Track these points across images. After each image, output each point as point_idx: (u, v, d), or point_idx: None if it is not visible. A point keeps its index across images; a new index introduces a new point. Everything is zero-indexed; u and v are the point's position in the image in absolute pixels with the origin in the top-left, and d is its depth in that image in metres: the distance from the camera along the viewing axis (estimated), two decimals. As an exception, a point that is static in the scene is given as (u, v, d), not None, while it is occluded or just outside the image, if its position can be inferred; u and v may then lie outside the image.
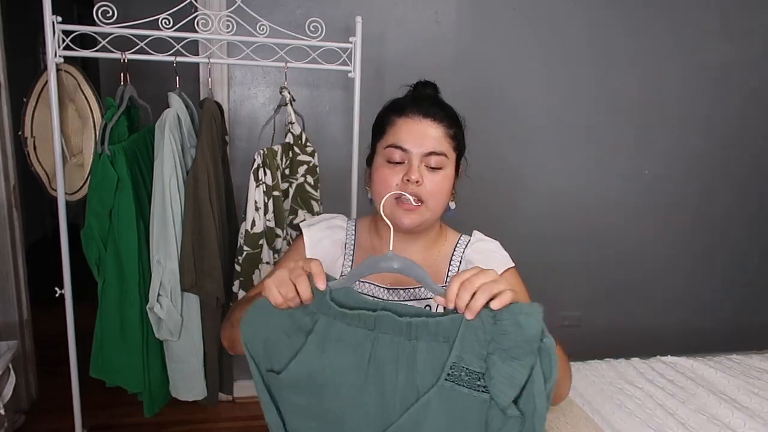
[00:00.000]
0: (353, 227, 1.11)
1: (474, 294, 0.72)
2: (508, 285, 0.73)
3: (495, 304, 0.71)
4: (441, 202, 1.00)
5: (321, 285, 0.77)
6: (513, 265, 1.05)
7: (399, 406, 0.77)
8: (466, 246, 1.08)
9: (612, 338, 2.84)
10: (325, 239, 1.08)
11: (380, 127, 1.03)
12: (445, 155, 0.98)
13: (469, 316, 0.72)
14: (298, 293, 0.77)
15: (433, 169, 0.98)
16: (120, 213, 1.73)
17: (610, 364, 1.90)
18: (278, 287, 0.77)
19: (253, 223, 1.75)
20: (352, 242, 1.09)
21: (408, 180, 0.95)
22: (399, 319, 0.76)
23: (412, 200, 0.96)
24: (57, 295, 1.87)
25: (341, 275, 1.07)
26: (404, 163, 0.97)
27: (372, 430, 0.79)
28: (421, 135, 0.97)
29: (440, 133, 0.99)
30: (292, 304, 0.78)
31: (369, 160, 1.06)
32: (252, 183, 1.75)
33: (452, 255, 1.07)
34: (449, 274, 1.05)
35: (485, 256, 1.05)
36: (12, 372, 2.09)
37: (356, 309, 0.79)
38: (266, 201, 1.77)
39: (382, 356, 0.78)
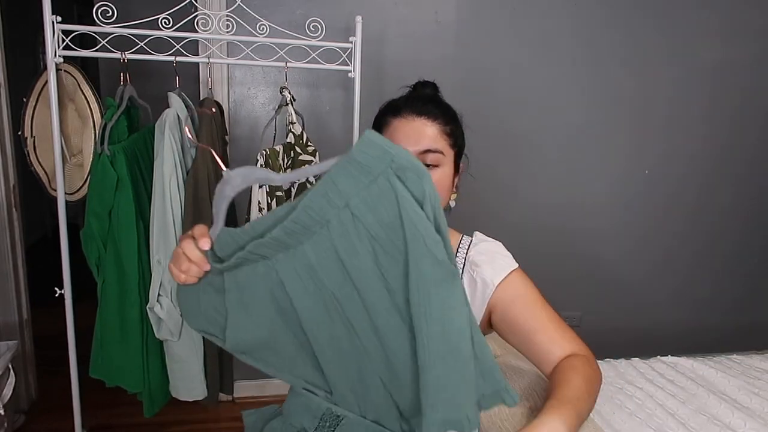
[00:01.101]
0: None
1: None
2: None
3: None
4: (440, 199, 1.00)
5: (204, 245, 0.74)
6: (517, 266, 1.05)
7: (333, 307, 0.73)
8: (468, 247, 1.07)
9: (612, 338, 2.84)
10: None
11: (377, 128, 1.04)
12: (442, 152, 0.98)
13: None
14: (192, 262, 0.75)
15: (430, 166, 0.98)
16: (120, 213, 1.73)
17: (610, 364, 1.90)
18: (175, 265, 0.76)
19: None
20: None
21: None
22: (264, 241, 0.70)
23: None
24: (57, 295, 1.87)
25: None
26: None
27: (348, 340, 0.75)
28: (416, 133, 0.98)
29: (435, 131, 0.99)
30: (192, 273, 0.76)
31: None
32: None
33: (456, 254, 1.07)
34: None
35: (489, 258, 1.05)
36: (12, 372, 2.09)
37: (231, 255, 0.74)
38: (269, 201, 1.77)
39: (287, 275, 0.73)
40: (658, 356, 1.97)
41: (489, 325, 1.06)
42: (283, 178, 0.74)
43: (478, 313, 1.03)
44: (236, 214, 2.06)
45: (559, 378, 0.91)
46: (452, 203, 1.05)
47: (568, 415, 0.81)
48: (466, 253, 1.07)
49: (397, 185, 0.62)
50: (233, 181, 0.75)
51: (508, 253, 1.07)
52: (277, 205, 1.80)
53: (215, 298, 0.79)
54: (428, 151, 0.97)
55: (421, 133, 0.98)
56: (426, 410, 0.67)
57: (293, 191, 1.92)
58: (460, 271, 1.05)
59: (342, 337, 0.75)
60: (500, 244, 1.09)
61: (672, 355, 1.97)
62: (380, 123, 1.03)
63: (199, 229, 0.77)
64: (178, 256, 0.76)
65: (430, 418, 0.67)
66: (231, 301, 0.77)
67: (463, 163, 1.06)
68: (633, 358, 1.94)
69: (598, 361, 1.95)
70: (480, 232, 1.11)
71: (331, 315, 0.74)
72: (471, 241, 1.09)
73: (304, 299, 0.74)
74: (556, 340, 0.96)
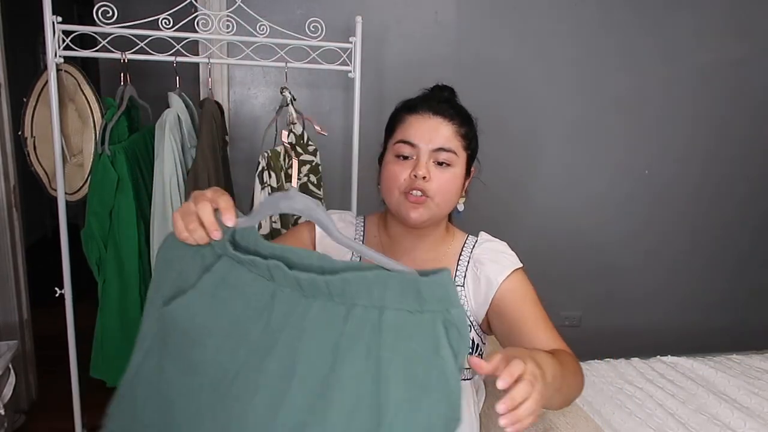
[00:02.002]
0: (362, 224, 1.12)
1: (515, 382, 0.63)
2: (541, 392, 0.64)
3: (501, 384, 0.62)
4: (449, 199, 1.00)
5: (230, 221, 0.70)
6: (521, 265, 1.05)
7: (275, 368, 0.67)
8: (474, 246, 1.08)
9: (612, 338, 2.84)
10: (343, 230, 1.09)
11: (392, 125, 1.04)
12: (455, 152, 0.99)
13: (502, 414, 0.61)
14: (203, 225, 0.71)
15: (442, 165, 0.98)
16: (120, 213, 1.73)
17: (610, 364, 1.90)
18: (183, 218, 0.72)
19: (260, 225, 1.76)
20: (361, 238, 1.10)
21: (415, 175, 0.96)
22: (288, 272, 0.67)
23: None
24: (57, 295, 1.87)
25: None
26: (413, 158, 0.98)
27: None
28: (431, 131, 0.98)
29: (450, 131, 0.99)
30: (197, 236, 0.71)
31: (381, 159, 1.07)
32: (257, 185, 1.75)
33: (460, 254, 1.07)
34: (457, 274, 1.05)
35: (494, 256, 1.05)
36: (12, 372, 2.09)
37: (251, 254, 0.70)
38: (270, 202, 1.78)
39: (279, 312, 0.69)
40: (658, 356, 1.97)
41: (489, 327, 1.06)
42: (339, 238, 0.71)
43: (481, 312, 1.04)
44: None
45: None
46: (460, 207, 1.05)
47: (551, 363, 0.76)
48: (471, 251, 1.07)
49: (440, 331, 0.63)
50: (294, 203, 0.72)
51: (513, 253, 1.07)
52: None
53: (193, 267, 0.73)
54: (441, 149, 0.97)
55: (436, 131, 0.98)
56: None
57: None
58: (464, 269, 1.05)
59: (210, 407, 0.70)
60: (505, 244, 1.09)
61: (672, 355, 1.97)
62: (395, 120, 1.04)
63: (224, 200, 0.71)
64: (189, 212, 0.71)
65: None
66: (205, 282, 0.71)
67: (474, 167, 1.07)
68: (633, 358, 1.94)
69: (598, 361, 1.96)
70: (485, 232, 1.12)
71: (248, 378, 0.68)
72: (476, 240, 1.09)
73: (263, 341, 0.68)
74: (550, 339, 0.96)
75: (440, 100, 1.02)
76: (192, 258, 0.74)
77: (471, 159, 1.04)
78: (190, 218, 0.71)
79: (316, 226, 1.06)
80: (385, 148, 1.05)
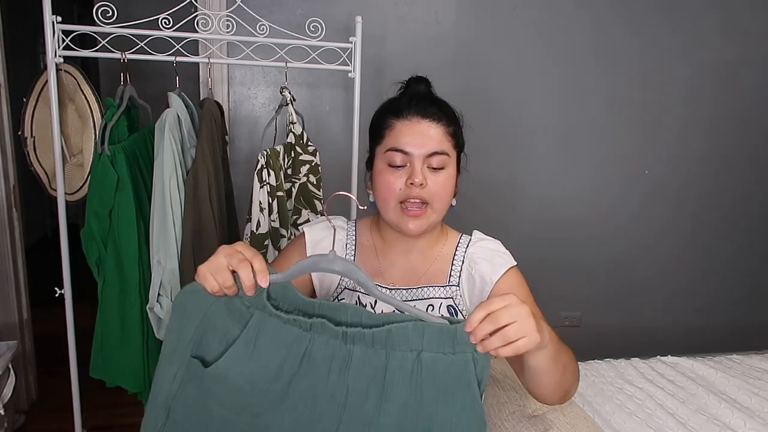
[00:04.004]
0: (354, 228, 1.11)
1: (498, 330, 0.72)
2: (533, 326, 0.73)
3: (506, 351, 0.72)
4: (446, 202, 1.00)
5: (264, 282, 0.75)
6: (515, 264, 1.05)
7: (327, 406, 0.77)
8: (467, 245, 1.08)
9: (612, 338, 2.84)
10: (325, 240, 1.08)
11: (378, 130, 1.03)
12: (447, 154, 0.98)
13: (480, 349, 0.73)
14: (235, 281, 0.76)
15: (436, 169, 0.97)
16: (120, 213, 1.73)
17: (610, 364, 1.90)
18: (214, 274, 0.76)
19: (258, 224, 1.75)
20: (353, 242, 1.09)
21: (412, 183, 0.95)
22: (335, 329, 0.77)
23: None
24: (57, 295, 1.87)
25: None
26: (406, 166, 0.97)
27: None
28: (422, 136, 0.97)
29: (440, 133, 0.98)
30: (229, 292, 0.77)
31: (369, 164, 1.06)
32: (256, 184, 1.74)
33: (454, 254, 1.07)
34: (452, 273, 1.05)
35: (488, 255, 1.05)
36: (12, 372, 2.09)
37: (291, 312, 0.79)
38: (270, 202, 1.77)
39: (316, 355, 0.78)
40: (658, 356, 1.97)
41: None
42: (381, 295, 0.80)
43: None
44: (236, 214, 2.06)
45: None
46: (453, 202, 1.04)
47: (547, 326, 0.83)
48: (465, 251, 1.07)
49: (471, 366, 0.75)
50: (333, 265, 0.79)
51: (507, 251, 1.07)
52: (278, 206, 1.80)
53: (224, 318, 0.79)
54: (435, 153, 0.97)
55: (427, 136, 0.97)
56: None
57: (294, 191, 1.92)
58: (459, 269, 1.05)
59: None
60: (499, 242, 1.09)
61: (672, 355, 1.97)
62: (380, 123, 1.02)
63: (259, 261, 0.76)
64: (222, 269, 0.75)
65: None
66: (247, 337, 0.78)
67: (462, 161, 1.06)
68: (633, 358, 1.94)
69: (598, 361, 1.96)
70: (479, 231, 1.12)
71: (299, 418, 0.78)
72: (470, 239, 1.09)
73: (311, 381, 0.78)
74: None
75: (426, 101, 1.00)
76: (217, 306, 0.79)
77: (460, 155, 1.04)
78: (224, 275, 0.76)
79: (307, 248, 1.07)
80: (373, 153, 1.04)
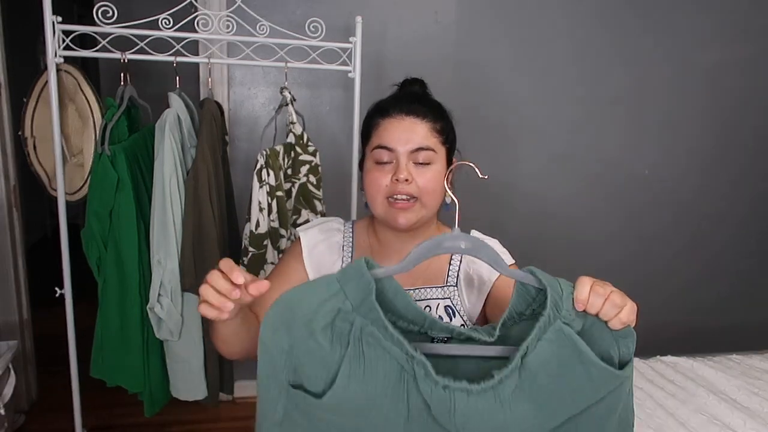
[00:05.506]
0: (350, 229, 1.11)
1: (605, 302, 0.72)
2: (631, 303, 0.72)
3: (616, 324, 0.72)
4: (435, 198, 1.00)
5: (238, 279, 0.71)
6: (513, 262, 1.05)
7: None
8: None
9: (612, 338, 2.83)
10: (322, 243, 1.08)
11: (367, 130, 1.04)
12: (433, 150, 0.98)
13: (616, 325, 0.72)
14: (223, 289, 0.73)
15: (422, 165, 0.98)
16: (120, 213, 1.73)
17: (610, 364, 1.90)
18: (208, 298, 0.74)
19: (258, 224, 1.75)
20: (350, 244, 1.09)
21: (397, 179, 0.96)
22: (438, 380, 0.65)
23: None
24: (57, 295, 1.87)
25: None
26: (392, 162, 0.98)
27: None
28: (406, 132, 0.98)
29: (425, 129, 0.99)
30: (231, 297, 0.72)
31: (361, 165, 1.07)
32: (255, 184, 1.75)
33: (452, 254, 1.07)
34: (449, 273, 1.05)
35: None
36: (12, 372, 2.09)
37: (403, 321, 0.71)
38: (270, 201, 1.77)
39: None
40: (658, 356, 1.97)
41: (485, 321, 1.06)
42: (509, 271, 0.76)
43: (475, 310, 1.04)
44: (236, 214, 2.06)
45: None
46: (448, 200, 1.04)
47: None
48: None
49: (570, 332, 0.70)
50: (458, 242, 0.72)
51: (504, 249, 1.07)
52: (277, 206, 1.80)
53: (319, 323, 0.67)
54: (419, 149, 0.97)
55: (411, 132, 0.98)
56: None
57: (293, 191, 1.92)
58: (457, 269, 1.05)
59: None
60: (496, 241, 1.09)
61: (672, 355, 1.97)
62: (369, 125, 1.03)
63: (225, 263, 0.74)
64: (209, 290, 0.74)
65: None
66: (352, 356, 0.66)
67: (455, 158, 1.06)
68: (633, 358, 1.94)
69: (598, 361, 1.95)
70: (477, 230, 1.11)
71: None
72: None
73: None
74: None
75: (411, 99, 1.01)
76: (308, 315, 0.68)
77: (450, 152, 1.04)
78: (216, 294, 0.74)
79: (304, 253, 1.04)
80: (364, 153, 1.05)
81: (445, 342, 0.73)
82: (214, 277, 0.74)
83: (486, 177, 0.82)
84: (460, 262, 1.06)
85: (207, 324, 1.86)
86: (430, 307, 1.02)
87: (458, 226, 0.74)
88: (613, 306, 0.71)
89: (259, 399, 0.73)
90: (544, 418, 0.68)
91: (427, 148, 0.97)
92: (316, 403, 0.67)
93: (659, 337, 2.88)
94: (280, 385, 0.70)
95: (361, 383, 0.66)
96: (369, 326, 0.66)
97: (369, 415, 0.67)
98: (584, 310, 0.71)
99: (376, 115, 1.03)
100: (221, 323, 0.83)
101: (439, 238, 0.72)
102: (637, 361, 1.92)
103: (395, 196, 0.96)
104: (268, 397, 0.71)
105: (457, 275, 1.05)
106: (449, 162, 1.03)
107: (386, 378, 0.66)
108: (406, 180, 0.95)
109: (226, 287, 0.72)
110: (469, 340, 0.73)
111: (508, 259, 1.05)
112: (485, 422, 0.66)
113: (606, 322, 0.71)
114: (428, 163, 0.98)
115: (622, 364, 0.72)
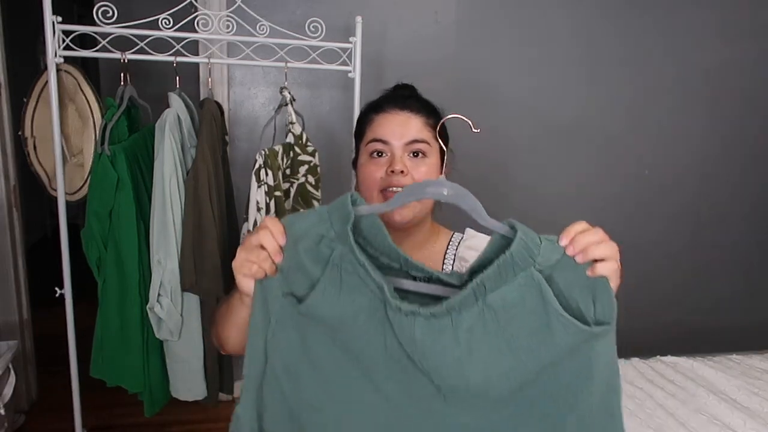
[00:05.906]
0: None
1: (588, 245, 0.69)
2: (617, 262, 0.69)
3: (598, 269, 0.68)
4: None
5: (281, 240, 0.71)
6: None
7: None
8: (459, 243, 1.07)
9: (612, 338, 2.83)
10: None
11: (360, 128, 1.05)
12: (428, 143, 0.99)
13: (580, 259, 0.69)
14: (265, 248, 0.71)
15: (417, 156, 0.98)
16: (120, 213, 1.73)
17: (610, 364, 1.90)
18: (250, 257, 0.72)
19: (255, 224, 1.75)
20: None
21: (392, 171, 0.96)
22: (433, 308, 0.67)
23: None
24: (57, 295, 1.87)
25: None
26: (387, 155, 0.98)
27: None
28: (401, 125, 0.99)
29: (420, 123, 1.00)
30: (268, 268, 0.72)
31: (354, 164, 1.07)
32: (254, 183, 1.74)
33: (446, 252, 1.06)
34: (444, 266, 1.05)
35: (479, 252, 1.05)
36: (12, 372, 2.09)
37: (385, 257, 0.72)
38: (268, 201, 1.77)
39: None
40: (658, 356, 1.97)
41: None
42: (490, 222, 0.76)
43: None
44: (236, 214, 2.06)
45: None
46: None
47: None
48: (457, 248, 1.06)
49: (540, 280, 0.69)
50: (440, 188, 0.73)
51: None
52: (275, 206, 1.79)
53: (303, 258, 0.70)
54: (414, 141, 0.98)
55: (406, 125, 0.99)
56: None
57: (292, 191, 1.92)
58: (450, 267, 1.05)
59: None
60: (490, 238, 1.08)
61: (672, 355, 1.97)
62: (363, 122, 1.04)
63: (272, 223, 0.72)
64: (253, 250, 0.72)
65: None
66: (330, 276, 0.70)
67: (448, 156, 1.06)
68: (633, 358, 1.94)
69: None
70: (471, 228, 1.11)
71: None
72: (462, 237, 1.09)
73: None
74: None
75: (405, 96, 1.03)
76: (307, 235, 0.72)
77: (443, 150, 1.04)
78: (257, 254, 0.72)
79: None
80: (358, 152, 1.05)
81: (427, 282, 0.75)
82: (263, 235, 0.71)
83: (479, 131, 0.84)
84: (454, 260, 1.06)
85: (207, 324, 1.87)
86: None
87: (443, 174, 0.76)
88: (598, 248, 0.69)
89: (252, 314, 0.75)
90: (506, 367, 0.68)
91: (422, 141, 0.98)
92: (299, 307, 0.71)
93: (659, 337, 2.88)
94: (274, 298, 0.73)
95: (335, 305, 0.69)
96: (349, 254, 0.69)
97: (345, 338, 0.70)
98: (570, 247, 0.71)
99: (369, 112, 1.03)
100: (243, 306, 0.80)
101: (424, 183, 0.74)
102: (637, 361, 1.92)
103: (391, 188, 0.96)
104: (271, 294, 0.74)
105: (452, 268, 1.05)
106: (443, 159, 1.03)
107: (359, 305, 0.69)
108: (402, 171, 0.95)
109: (274, 247, 0.71)
110: (440, 282, 0.74)
111: None
112: (441, 355, 0.68)
113: (585, 269, 0.69)
114: (423, 155, 0.98)
115: (598, 325, 0.68)
